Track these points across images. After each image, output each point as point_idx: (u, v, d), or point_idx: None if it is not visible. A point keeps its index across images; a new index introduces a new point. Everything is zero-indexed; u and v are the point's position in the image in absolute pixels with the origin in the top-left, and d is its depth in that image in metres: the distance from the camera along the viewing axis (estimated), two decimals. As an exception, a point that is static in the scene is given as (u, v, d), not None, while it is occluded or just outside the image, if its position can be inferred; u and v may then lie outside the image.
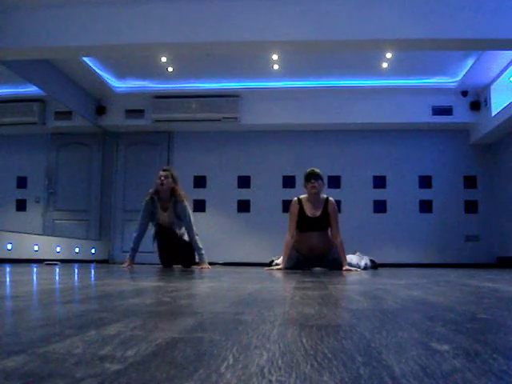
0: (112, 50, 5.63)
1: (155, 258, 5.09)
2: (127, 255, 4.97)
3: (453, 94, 7.42)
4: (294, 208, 4.55)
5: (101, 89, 7.53)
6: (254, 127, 7.88)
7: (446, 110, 7.51)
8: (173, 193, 4.82)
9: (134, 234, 4.92)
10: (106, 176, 8.17)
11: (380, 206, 7.90)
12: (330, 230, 4.57)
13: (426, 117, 7.54)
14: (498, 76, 6.75)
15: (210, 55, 6.31)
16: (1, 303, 1.21)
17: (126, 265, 4.80)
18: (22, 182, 6.98)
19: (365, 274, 3.47)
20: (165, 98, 7.69)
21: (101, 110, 7.86)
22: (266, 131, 7.97)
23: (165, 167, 5.20)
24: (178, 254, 4.92)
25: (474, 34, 4.93)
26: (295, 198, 4.63)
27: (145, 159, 8.15)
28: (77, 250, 7.18)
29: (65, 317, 0.94)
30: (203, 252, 4.80)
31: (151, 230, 5.01)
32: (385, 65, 6.70)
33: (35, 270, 3.63)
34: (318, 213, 4.52)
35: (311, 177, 4.49)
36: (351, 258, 4.61)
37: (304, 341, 0.68)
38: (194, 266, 4.85)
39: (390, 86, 7.34)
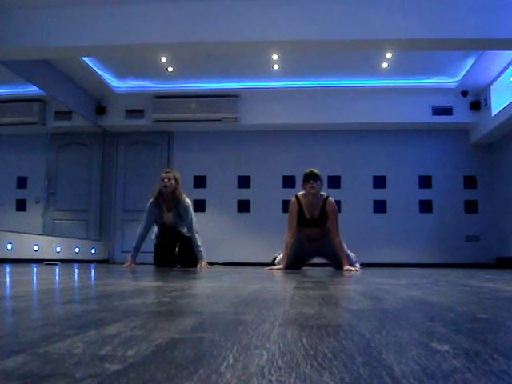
0: (112, 50, 5.64)
1: (155, 258, 5.10)
2: (128, 255, 5.00)
3: (453, 94, 7.42)
4: (293, 209, 4.55)
5: (101, 89, 7.53)
6: (253, 127, 7.88)
7: (446, 110, 7.51)
8: (175, 193, 4.87)
9: (137, 234, 4.95)
10: (106, 176, 8.17)
11: (380, 206, 7.90)
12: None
13: (425, 117, 7.54)
14: (498, 76, 6.75)
15: (210, 55, 6.32)
16: (1, 303, 1.21)
17: (127, 264, 4.81)
18: (21, 182, 6.97)
19: (365, 274, 3.47)
20: (165, 97, 7.69)
21: (101, 110, 7.87)
22: (265, 131, 7.97)
23: (167, 169, 5.24)
24: (180, 254, 4.96)
25: (474, 34, 4.93)
26: (294, 198, 4.62)
27: (145, 159, 8.16)
28: (77, 250, 7.18)
29: (65, 317, 0.94)
30: (201, 249, 4.85)
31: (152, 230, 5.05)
32: (385, 65, 6.70)
33: (35, 270, 3.63)
34: (317, 213, 4.52)
35: (310, 177, 4.48)
36: (351, 256, 4.62)
37: (304, 341, 0.68)
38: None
39: (390, 86, 7.34)
